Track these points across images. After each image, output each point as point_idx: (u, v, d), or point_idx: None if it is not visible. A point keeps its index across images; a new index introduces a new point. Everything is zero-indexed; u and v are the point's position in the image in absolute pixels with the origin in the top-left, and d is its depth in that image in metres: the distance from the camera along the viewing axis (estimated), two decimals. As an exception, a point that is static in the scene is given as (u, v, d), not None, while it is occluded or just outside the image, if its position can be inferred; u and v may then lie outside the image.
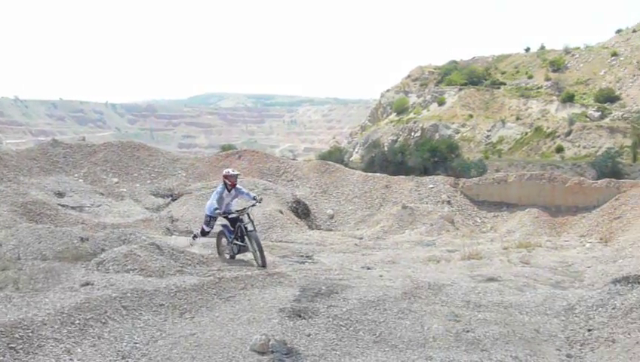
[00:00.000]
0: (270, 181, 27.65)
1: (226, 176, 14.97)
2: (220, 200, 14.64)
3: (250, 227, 14.35)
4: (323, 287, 11.59)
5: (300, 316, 9.74)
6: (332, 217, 26.97)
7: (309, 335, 9.05)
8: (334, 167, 31.23)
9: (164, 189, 27.60)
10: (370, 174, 31.33)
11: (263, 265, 13.81)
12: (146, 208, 25.41)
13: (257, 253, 14.10)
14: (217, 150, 50.88)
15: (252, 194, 15.33)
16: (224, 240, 15.09)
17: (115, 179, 27.58)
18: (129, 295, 9.77)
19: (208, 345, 8.45)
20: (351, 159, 63.78)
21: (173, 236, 20.22)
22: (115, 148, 29.78)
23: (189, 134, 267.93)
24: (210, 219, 15.03)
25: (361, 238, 23.33)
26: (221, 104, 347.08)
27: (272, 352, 8.36)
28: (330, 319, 9.72)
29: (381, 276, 13.89)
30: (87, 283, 10.35)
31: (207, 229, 15.20)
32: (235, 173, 15.22)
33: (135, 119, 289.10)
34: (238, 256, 14.87)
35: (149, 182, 28.28)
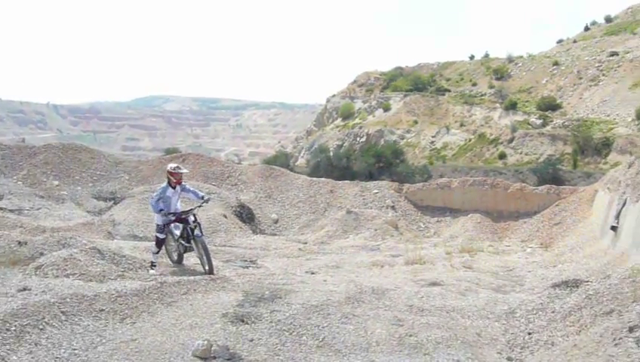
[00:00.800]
0: (214, 185, 27.47)
1: (170, 173, 14.06)
2: (165, 199, 13.88)
3: (197, 231, 13.70)
4: (266, 292, 11.55)
5: (242, 321, 9.68)
6: (276, 222, 26.91)
7: (251, 341, 9.00)
8: (279, 171, 31.18)
9: (107, 192, 27.19)
10: (314, 179, 31.34)
11: (210, 271, 13.40)
12: (88, 211, 25.00)
13: (204, 258, 13.62)
14: (161, 153, 50.42)
15: (200, 193, 14.57)
16: (171, 239, 14.38)
17: (56, 182, 27.09)
18: (68, 300, 9.57)
19: (149, 351, 8.34)
20: (296, 164, 63.91)
21: (115, 240, 19.92)
22: (56, 150, 29.24)
23: (133, 137, 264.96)
24: (164, 226, 14.02)
25: (306, 243, 23.30)
26: (166, 107, 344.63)
27: (215, 358, 8.29)
28: (274, 324, 9.69)
29: (325, 281, 13.89)
30: (25, 289, 10.09)
31: (161, 237, 14.12)
32: (183, 170, 14.38)
33: (78, 121, 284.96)
34: (185, 255, 14.53)
35: (90, 185, 27.85)
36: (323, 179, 31.60)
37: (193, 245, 13.77)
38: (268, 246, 21.25)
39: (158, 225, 14.03)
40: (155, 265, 13.75)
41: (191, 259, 14.69)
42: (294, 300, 11.08)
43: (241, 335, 9.17)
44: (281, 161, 48.95)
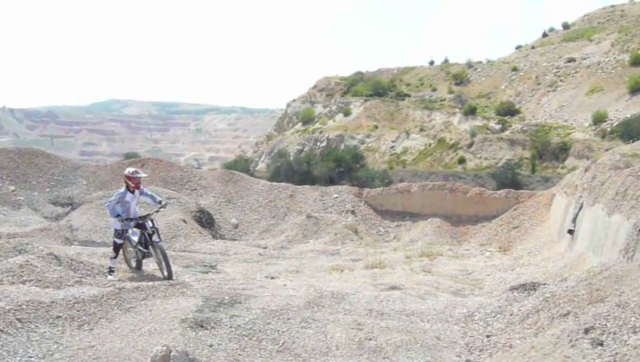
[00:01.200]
0: (174, 190, 27.26)
1: (128, 177, 13.91)
2: (124, 204, 13.70)
3: (155, 238, 13.56)
4: (226, 297, 11.49)
5: (202, 326, 9.61)
6: (236, 227, 26.80)
7: (211, 346, 8.94)
8: (239, 176, 31.07)
9: (64, 198, 26.80)
10: (274, 184, 31.30)
11: (169, 277, 13.28)
12: (45, 217, 24.62)
13: (162, 263, 13.49)
14: (120, 158, 49.99)
15: (158, 197, 14.51)
16: (129, 246, 14.25)
17: (12, 187, 26.62)
18: (24, 307, 9.42)
19: (107, 358, 8.24)
20: (257, 168, 63.69)
21: (73, 246, 19.68)
22: (12, 154, 28.75)
23: (91, 141, 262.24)
24: (122, 232, 13.87)
25: (266, 248, 23.26)
26: (125, 111, 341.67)
27: (174, 363, 8.23)
28: (233, 329, 9.64)
29: (285, 285, 13.88)
30: (-20, 295, 9.93)
31: (119, 242, 13.96)
32: (141, 175, 14.23)
33: (34, 125, 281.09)
34: (144, 261, 14.39)
35: (47, 190, 27.44)
36: (283, 183, 31.58)
37: (151, 251, 13.62)
38: (228, 251, 21.17)
39: (116, 230, 13.85)
40: (113, 271, 13.57)
41: (150, 265, 14.57)
42: (254, 305, 11.05)
43: (200, 340, 9.10)
44: (241, 165, 48.88)
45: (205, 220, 25.68)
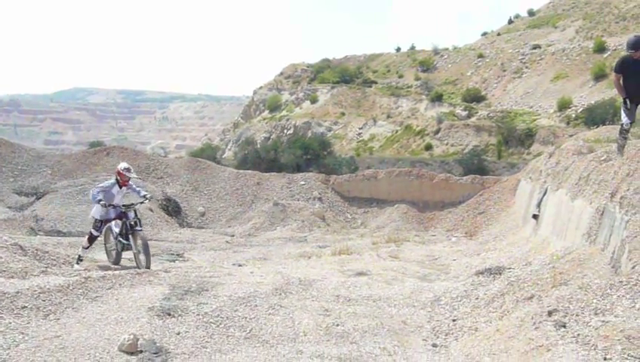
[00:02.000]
0: (140, 178, 27.01)
1: (119, 172, 13.81)
2: (108, 194, 13.61)
3: (137, 226, 13.50)
4: (193, 285, 11.46)
5: (169, 314, 9.57)
6: (203, 215, 26.75)
7: (178, 334, 8.91)
8: (205, 164, 30.99)
9: (29, 187, 26.54)
10: (241, 171, 31.26)
11: (147, 266, 13.19)
12: (9, 207, 24.40)
13: (141, 254, 13.38)
14: (86, 147, 49.48)
15: (142, 192, 14.41)
16: (111, 237, 14.06)
17: (-25, 177, 26.35)
18: (-12, 297, 9.33)
19: (74, 347, 8.16)
20: (224, 156, 63.50)
21: (38, 236, 19.50)
22: (-26, 144, 28.41)
23: (56, 130, 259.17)
24: (101, 224, 13.72)
25: (233, 235, 23.25)
26: (90, 99, 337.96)
27: (141, 352, 8.16)
28: (201, 316, 9.62)
29: (252, 273, 13.88)
30: (-57, 286, 9.81)
31: (95, 234, 13.75)
32: (132, 175, 14.10)
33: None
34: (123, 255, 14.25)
35: (11, 180, 27.15)
36: (250, 171, 31.57)
37: (131, 241, 13.51)
38: (195, 240, 21.13)
39: (95, 220, 13.75)
40: (81, 260, 13.46)
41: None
42: (221, 292, 11.04)
43: (167, 328, 9.06)
44: (208, 153, 48.61)
45: (172, 208, 25.61)
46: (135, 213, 13.70)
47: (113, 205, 13.64)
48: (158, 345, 8.45)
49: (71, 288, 10.23)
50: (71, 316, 9.29)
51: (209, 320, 9.54)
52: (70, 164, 29.21)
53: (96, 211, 13.70)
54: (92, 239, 13.78)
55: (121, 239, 13.61)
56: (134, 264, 13.75)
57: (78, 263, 13.27)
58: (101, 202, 13.33)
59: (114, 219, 13.73)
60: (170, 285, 11.38)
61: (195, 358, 8.25)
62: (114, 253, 14.22)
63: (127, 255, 14.30)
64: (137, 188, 14.44)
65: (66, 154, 33.40)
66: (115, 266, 13.89)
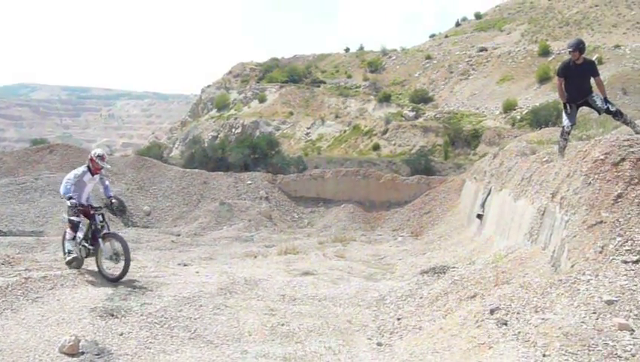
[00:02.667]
0: (111, 168, 26.78)
1: (92, 159, 12.48)
2: (80, 184, 12.35)
3: (105, 230, 12.19)
4: (137, 285, 11.36)
5: (112, 315, 9.47)
6: (149, 214, 26.50)
7: (121, 334, 8.83)
8: (151, 162, 30.70)
9: (-33, 186, 25.97)
10: (187, 170, 31.08)
11: (122, 275, 11.67)
12: (-54, 207, 23.85)
13: (120, 259, 11.70)
14: (28, 144, 48.55)
15: (110, 193, 13.14)
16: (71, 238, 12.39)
17: None
18: None
19: (12, 349, 8.03)
20: (171, 155, 62.87)
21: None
22: None
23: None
24: (77, 206, 12.13)
25: (179, 235, 23.10)
26: (33, 96, 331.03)
27: (83, 353, 8.08)
28: (144, 317, 9.54)
29: (197, 272, 13.77)
30: None
31: (76, 220, 12.23)
32: (106, 165, 12.73)
33: None
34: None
35: (-50, 178, 26.54)
36: (196, 170, 31.41)
37: (102, 245, 11.91)
38: (140, 239, 20.92)
39: (70, 206, 12.23)
40: (71, 253, 12.18)
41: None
42: (166, 293, 10.96)
43: (110, 329, 8.97)
44: (155, 152, 48.07)
45: (117, 207, 25.28)
46: (103, 216, 12.39)
47: (83, 205, 12.37)
48: (100, 346, 8.36)
49: (10, 289, 10.04)
50: (10, 318, 9.12)
51: (153, 320, 9.46)
52: (11, 162, 28.66)
53: (63, 191, 12.28)
54: (75, 227, 12.32)
55: (85, 244, 12.19)
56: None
57: (69, 256, 12.16)
58: (71, 200, 12.08)
59: (84, 210, 12.34)
60: (114, 285, 11.24)
61: (139, 359, 8.18)
62: (70, 257, 12.45)
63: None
64: (106, 183, 13.17)
65: (7, 152, 32.83)
66: (57, 266, 12.95)
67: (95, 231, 12.09)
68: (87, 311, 9.55)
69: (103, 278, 11.68)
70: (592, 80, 12.00)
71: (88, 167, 12.61)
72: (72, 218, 12.29)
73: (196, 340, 9.06)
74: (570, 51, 11.79)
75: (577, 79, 11.84)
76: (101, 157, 12.66)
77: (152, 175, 29.02)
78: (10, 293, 9.89)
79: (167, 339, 8.93)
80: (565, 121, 12.06)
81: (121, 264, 11.66)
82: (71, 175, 12.50)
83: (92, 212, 12.24)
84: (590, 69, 11.99)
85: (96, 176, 12.76)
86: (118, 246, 11.75)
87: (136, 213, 26.30)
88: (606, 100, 11.82)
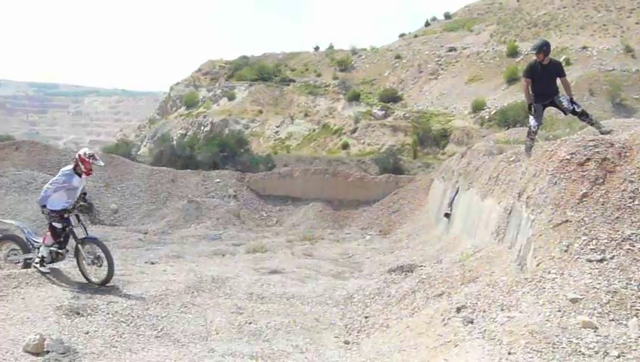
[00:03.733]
0: (51, 174, 26.17)
1: (82, 160, 11.74)
2: (71, 191, 11.70)
3: (84, 233, 11.69)
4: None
5: (78, 313, 9.40)
6: (116, 212, 26.28)
7: (87, 333, 8.76)
8: (118, 160, 30.46)
9: None
10: (155, 168, 30.90)
11: (107, 280, 11.23)
12: None
13: (103, 263, 11.22)
14: (-6, 141, 47.91)
15: (88, 195, 12.70)
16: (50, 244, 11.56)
17: None
18: None
19: (-25, 348, 7.92)
20: (139, 153, 62.38)
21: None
22: None
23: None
24: (63, 214, 11.52)
25: (146, 233, 22.98)
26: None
27: (48, 352, 7.99)
28: (110, 315, 9.48)
29: (165, 271, 13.70)
30: None
31: (59, 226, 11.50)
32: (99, 162, 12.05)
33: None
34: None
35: None
36: (164, 168, 31.23)
37: (81, 251, 11.41)
38: (107, 237, 20.65)
39: (53, 211, 11.51)
40: (44, 260, 11.44)
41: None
42: (132, 291, 10.90)
43: (76, 327, 8.90)
44: (123, 149, 47.70)
45: (85, 208, 25.05)
46: (78, 218, 11.90)
47: (66, 210, 11.63)
48: (65, 344, 8.29)
49: (-26, 287, 9.90)
50: (-26, 316, 8.99)
51: (119, 318, 9.41)
52: (-24, 159, 28.27)
53: (56, 202, 11.57)
54: (56, 234, 11.55)
55: (54, 248, 11.54)
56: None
57: (43, 265, 11.40)
58: (53, 213, 11.43)
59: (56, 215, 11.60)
60: (79, 284, 11.14)
61: (105, 358, 8.13)
62: (18, 262, 12.10)
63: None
64: (84, 186, 12.35)
65: (-28, 149, 32.29)
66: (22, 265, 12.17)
67: (68, 233, 11.64)
68: (53, 309, 9.46)
69: (89, 282, 11.28)
70: (559, 80, 12.15)
71: (75, 170, 11.83)
72: (55, 223, 11.57)
73: (163, 338, 9.03)
74: (534, 53, 11.94)
75: (544, 80, 11.98)
76: (93, 156, 12.01)
77: (120, 173, 28.79)
78: (-26, 292, 9.75)
79: (134, 338, 8.89)
80: (532, 120, 12.19)
81: (105, 267, 11.19)
82: (55, 181, 11.76)
83: (65, 215, 11.62)
84: (556, 69, 12.15)
85: (83, 179, 12.06)
86: (98, 250, 11.36)
87: (104, 210, 26.07)
88: (572, 101, 11.98)
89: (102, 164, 12.30)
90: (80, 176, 11.85)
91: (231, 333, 9.46)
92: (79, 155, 11.93)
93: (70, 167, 11.91)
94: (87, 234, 11.85)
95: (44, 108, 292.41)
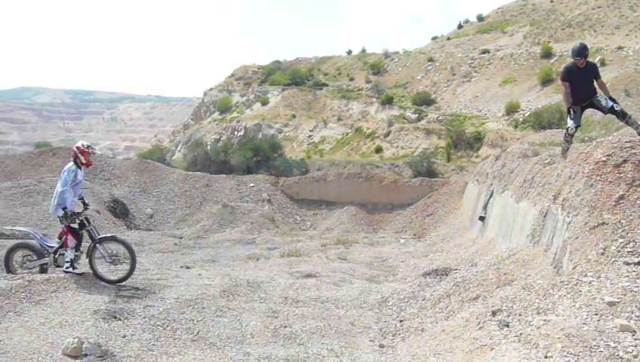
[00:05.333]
0: (87, 180, 26.64)
1: (82, 151, 11.90)
2: (76, 183, 11.79)
3: (95, 233, 11.72)
4: (140, 288, 11.38)
5: (115, 317, 9.49)
6: (151, 216, 26.51)
7: (124, 337, 8.84)
8: (153, 165, 30.74)
9: (-30, 189, 25.96)
10: (190, 173, 31.13)
11: (128, 276, 11.52)
12: (-50, 209, 23.85)
13: (115, 264, 11.66)
14: (31, 147, 48.65)
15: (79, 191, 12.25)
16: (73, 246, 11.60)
17: None
18: None
19: (16, 352, 8.03)
20: (173, 158, 62.96)
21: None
22: None
23: (0, 130, 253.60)
24: (77, 215, 11.63)
25: (181, 238, 23.10)
26: (36, 99, 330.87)
27: (86, 355, 8.08)
28: (147, 319, 9.56)
29: (200, 275, 13.78)
30: None
31: (77, 226, 11.64)
32: (96, 150, 12.34)
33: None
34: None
35: (-47, 181, 26.55)
36: (199, 173, 31.48)
37: (100, 251, 11.63)
38: (142, 242, 20.90)
39: (68, 213, 11.59)
40: (72, 263, 11.56)
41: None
42: (168, 295, 10.98)
43: (113, 331, 8.98)
44: (157, 155, 48.27)
45: (119, 210, 25.33)
46: (87, 220, 11.91)
47: (76, 212, 11.77)
48: (103, 348, 8.38)
49: (13, 291, 10.03)
50: (13, 320, 9.12)
51: (156, 322, 9.48)
52: (14, 165, 28.72)
53: (66, 200, 11.59)
54: (77, 235, 11.65)
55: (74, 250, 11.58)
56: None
57: (74, 267, 11.56)
58: (65, 210, 11.52)
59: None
60: (117, 288, 11.26)
61: (142, 361, 8.18)
62: (32, 268, 12.06)
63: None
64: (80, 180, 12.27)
65: (10, 155, 32.81)
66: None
67: (94, 233, 11.79)
68: (90, 313, 9.57)
69: (103, 281, 11.56)
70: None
71: (75, 163, 11.98)
72: (74, 225, 11.68)
73: (199, 342, 9.08)
74: (576, 59, 11.82)
75: (581, 82, 11.87)
76: (91, 147, 12.24)
77: (155, 178, 29.06)
78: (13, 296, 9.88)
79: (170, 341, 8.95)
80: (570, 122, 12.05)
81: (127, 263, 11.56)
82: (63, 184, 11.69)
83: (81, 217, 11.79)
84: (593, 71, 12.03)
85: (83, 172, 12.21)
86: (119, 246, 11.71)
87: (139, 215, 26.32)
88: (611, 98, 11.85)
89: (99, 152, 12.29)
90: (80, 168, 12.01)
91: (266, 337, 9.48)
92: (77, 148, 12.11)
93: (71, 162, 12.03)
94: (99, 234, 12.02)
95: (80, 115, 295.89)
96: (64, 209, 11.55)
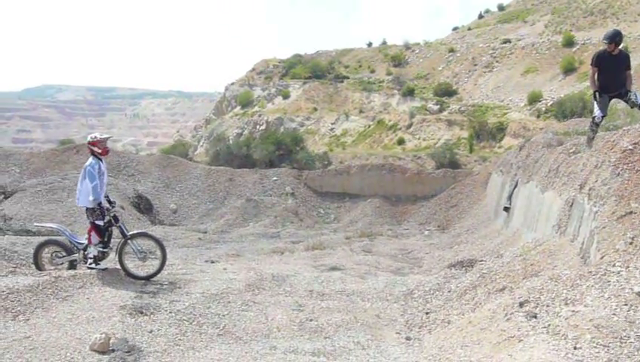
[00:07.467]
0: (111, 176, 26.79)
1: (93, 143, 11.78)
2: (102, 176, 11.60)
3: (124, 230, 11.72)
4: (165, 282, 11.41)
5: (141, 312, 9.52)
6: (175, 211, 26.64)
7: (151, 332, 8.87)
8: (177, 160, 30.86)
9: (-4, 187, 26.20)
10: (213, 168, 31.20)
11: (158, 272, 11.65)
12: (-23, 207, 24.08)
13: (144, 260, 11.94)
14: (55, 145, 48.92)
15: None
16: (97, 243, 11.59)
17: (-59, 176, 25.98)
18: (-43, 298, 9.20)
19: (44, 348, 8.07)
20: (196, 153, 63.07)
21: (7, 236, 19.24)
22: (-59, 143, 28.08)
23: (24, 128, 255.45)
24: (101, 210, 11.53)
25: (205, 232, 23.20)
26: (59, 96, 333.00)
27: (113, 351, 8.11)
28: (173, 314, 9.58)
29: (225, 269, 13.81)
30: None
31: (102, 224, 11.55)
32: (105, 135, 12.10)
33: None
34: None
35: (-21, 179, 26.81)
36: (222, 167, 31.53)
37: (130, 245, 11.72)
38: (167, 237, 20.97)
39: (95, 209, 11.54)
40: (97, 259, 11.58)
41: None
42: (194, 289, 11.00)
43: (140, 326, 9.01)
44: (180, 150, 48.26)
45: (143, 206, 25.47)
46: (116, 218, 11.88)
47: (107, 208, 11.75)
48: (130, 343, 8.40)
49: (41, 288, 10.08)
50: (41, 316, 9.17)
51: (182, 317, 9.51)
52: (39, 163, 28.95)
53: (95, 196, 11.44)
54: (101, 231, 11.61)
55: (99, 246, 11.60)
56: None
57: (97, 263, 11.53)
58: (99, 208, 11.50)
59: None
60: (143, 283, 11.30)
61: (168, 356, 8.21)
62: (62, 264, 12.11)
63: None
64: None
65: (35, 153, 33.08)
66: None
67: (111, 232, 11.89)
68: (117, 308, 9.60)
69: (132, 278, 11.62)
70: None
71: (94, 155, 11.80)
72: (97, 221, 11.57)
73: (225, 336, 9.09)
74: (607, 43, 11.71)
75: (611, 70, 11.73)
76: (97, 135, 12.12)
77: (178, 173, 29.19)
78: (40, 292, 9.93)
79: (196, 336, 8.97)
80: (597, 111, 11.91)
81: (158, 258, 11.72)
82: (91, 179, 11.50)
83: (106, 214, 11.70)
84: (625, 61, 11.90)
85: (104, 163, 12.05)
86: (150, 242, 11.96)
87: (163, 211, 26.46)
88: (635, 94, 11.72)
89: (109, 136, 12.41)
90: (101, 160, 11.83)
91: (292, 330, 9.48)
92: (88, 142, 11.94)
93: (90, 158, 11.83)
94: (127, 229, 11.96)
95: (103, 112, 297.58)
96: (99, 204, 11.49)
